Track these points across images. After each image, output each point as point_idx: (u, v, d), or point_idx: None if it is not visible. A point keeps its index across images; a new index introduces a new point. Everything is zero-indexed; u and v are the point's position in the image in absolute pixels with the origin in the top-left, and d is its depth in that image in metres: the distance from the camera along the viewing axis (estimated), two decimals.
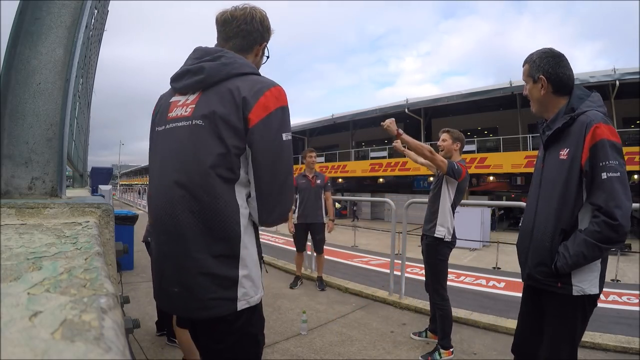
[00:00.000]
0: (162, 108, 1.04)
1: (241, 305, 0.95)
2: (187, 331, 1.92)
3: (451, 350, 2.60)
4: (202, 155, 0.91)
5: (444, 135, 2.73)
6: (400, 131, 2.53)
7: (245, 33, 1.04)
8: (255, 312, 1.01)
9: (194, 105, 0.96)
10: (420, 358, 2.58)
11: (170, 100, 1.02)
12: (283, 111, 0.96)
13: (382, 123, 2.50)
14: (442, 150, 2.69)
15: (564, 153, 1.34)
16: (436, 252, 2.60)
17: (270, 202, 0.96)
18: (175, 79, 1.03)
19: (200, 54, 1.01)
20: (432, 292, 2.69)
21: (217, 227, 0.91)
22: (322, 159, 23.09)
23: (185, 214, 0.91)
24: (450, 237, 2.59)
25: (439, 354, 2.56)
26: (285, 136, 0.96)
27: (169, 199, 0.94)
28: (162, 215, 0.95)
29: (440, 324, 2.63)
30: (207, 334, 1.02)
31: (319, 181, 4.34)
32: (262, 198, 0.95)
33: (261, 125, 0.92)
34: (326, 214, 4.40)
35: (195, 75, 0.98)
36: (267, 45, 1.12)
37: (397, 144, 2.84)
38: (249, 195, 0.97)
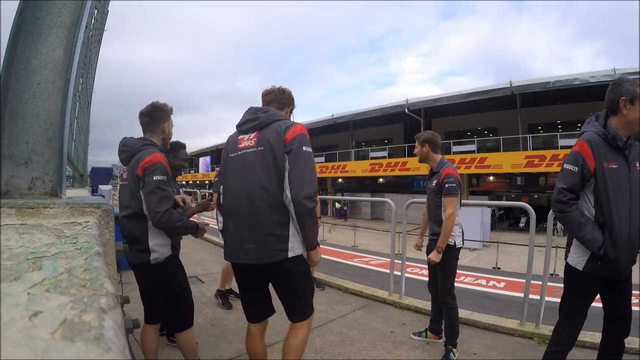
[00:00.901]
0: (232, 143, 1.74)
1: (290, 254, 1.59)
2: (187, 332, 1.95)
3: (457, 348, 2.63)
4: (266, 167, 1.60)
5: (416, 143, 2.81)
6: (440, 249, 2.58)
7: (278, 99, 1.83)
8: (301, 258, 1.65)
9: (255, 139, 1.66)
10: None
11: (238, 138, 1.72)
12: (303, 134, 1.63)
13: (431, 259, 2.62)
14: (418, 157, 2.80)
15: None
16: (449, 252, 2.60)
17: (296, 185, 1.55)
18: (240, 125, 1.74)
19: (254, 110, 1.75)
20: (443, 292, 2.66)
21: (276, 205, 1.58)
22: (322, 159, 23.09)
23: (259, 200, 1.58)
24: (461, 242, 2.66)
25: (453, 354, 2.58)
26: (306, 148, 1.61)
27: (249, 191, 1.60)
28: (244, 201, 1.60)
29: (450, 322, 2.62)
30: (273, 276, 1.68)
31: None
32: (292, 184, 1.56)
33: (291, 141, 1.60)
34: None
35: (253, 122, 1.69)
36: (293, 109, 1.92)
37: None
38: (286, 185, 1.58)
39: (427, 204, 2.84)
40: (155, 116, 1.94)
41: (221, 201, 1.73)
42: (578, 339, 2.80)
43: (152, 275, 1.87)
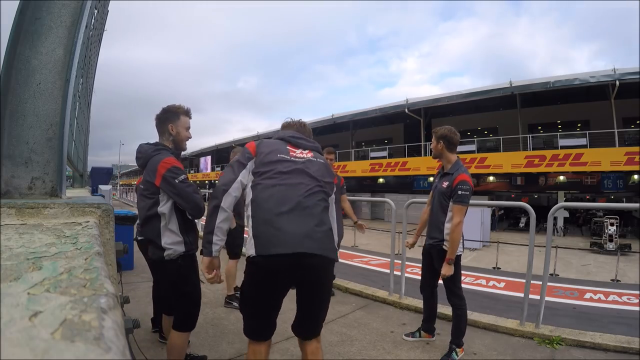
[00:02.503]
0: (276, 146, 1.72)
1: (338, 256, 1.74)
2: (184, 336, 2.03)
3: (462, 347, 2.64)
4: (326, 174, 1.72)
5: (433, 138, 2.67)
6: (451, 261, 2.50)
7: (302, 131, 1.89)
8: None
9: (311, 154, 1.75)
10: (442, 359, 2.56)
11: (287, 147, 1.74)
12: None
13: (445, 274, 2.53)
14: (433, 152, 2.68)
15: None
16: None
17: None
18: (294, 138, 1.80)
19: (305, 139, 1.83)
20: (451, 296, 2.62)
21: (327, 209, 1.67)
22: None
23: (321, 200, 1.62)
24: (461, 249, 2.61)
25: (456, 354, 2.57)
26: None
27: (312, 194, 1.59)
28: (307, 197, 1.57)
29: (458, 323, 2.61)
30: (319, 278, 1.62)
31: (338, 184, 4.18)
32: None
33: (338, 183, 1.94)
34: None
35: (312, 144, 1.82)
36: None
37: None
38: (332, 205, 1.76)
39: (430, 204, 2.76)
40: (162, 118, 2.01)
41: (269, 191, 1.58)
42: (578, 339, 2.81)
43: (165, 271, 1.97)
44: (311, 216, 1.53)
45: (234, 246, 3.69)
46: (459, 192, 2.45)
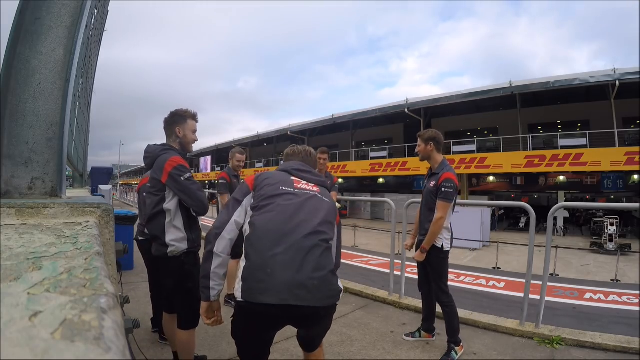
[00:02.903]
0: (279, 178, 1.59)
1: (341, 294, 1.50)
2: (190, 333, 2.07)
3: (462, 344, 2.65)
4: (332, 214, 1.56)
5: (419, 141, 2.78)
6: (423, 250, 2.65)
7: (308, 161, 1.77)
8: None
9: (317, 189, 1.61)
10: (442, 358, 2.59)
11: (292, 179, 1.61)
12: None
13: (415, 258, 2.74)
14: (419, 154, 2.78)
15: None
16: (437, 253, 2.62)
17: (338, 260, 1.67)
18: (299, 172, 1.67)
19: (312, 172, 1.71)
20: (437, 292, 2.69)
21: (329, 248, 1.47)
22: None
23: (321, 235, 1.45)
24: (449, 245, 2.66)
25: (455, 353, 2.59)
26: None
27: (313, 234, 1.42)
28: (304, 235, 1.40)
29: (450, 321, 2.65)
30: (318, 320, 1.51)
31: (329, 182, 4.24)
32: (337, 255, 1.62)
33: (339, 225, 1.66)
34: None
35: (316, 176, 1.69)
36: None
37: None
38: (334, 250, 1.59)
39: (421, 203, 2.85)
40: (169, 121, 2.11)
41: (265, 227, 1.43)
42: (578, 339, 2.81)
43: (169, 267, 2.00)
44: (309, 260, 1.35)
45: (234, 246, 3.68)
46: (443, 190, 2.54)
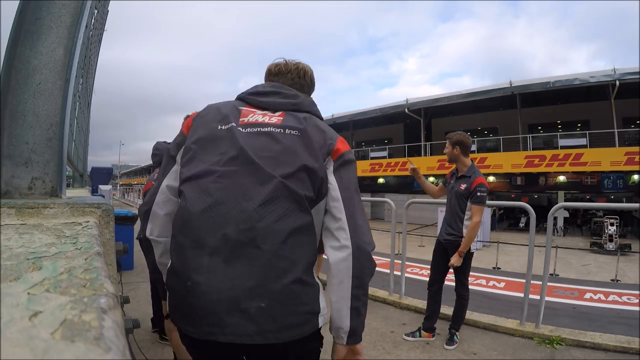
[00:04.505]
0: (222, 111, 0.99)
1: (321, 321, 0.88)
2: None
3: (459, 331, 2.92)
4: (308, 152, 0.91)
5: (447, 143, 2.82)
6: (462, 254, 2.71)
7: (298, 86, 1.10)
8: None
9: (281, 118, 0.97)
10: (445, 346, 2.76)
11: (241, 108, 1.00)
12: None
13: (453, 264, 2.72)
14: (447, 157, 2.83)
15: None
16: (466, 255, 2.75)
17: (358, 228, 0.98)
18: (258, 94, 1.03)
19: (279, 85, 1.07)
20: (460, 286, 2.85)
21: (309, 229, 0.92)
22: None
23: (281, 219, 0.87)
24: (475, 247, 2.88)
25: (457, 337, 2.84)
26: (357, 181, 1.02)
27: (268, 203, 0.87)
28: (253, 225, 0.86)
29: (461, 311, 2.87)
30: None
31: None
32: (350, 220, 0.97)
33: (345, 154, 0.96)
34: None
35: (288, 98, 1.02)
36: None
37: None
38: (330, 216, 1.00)
39: (446, 204, 2.90)
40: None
41: (190, 208, 0.86)
42: (578, 339, 2.81)
43: None
44: (257, 258, 0.80)
45: None
46: (478, 194, 2.65)
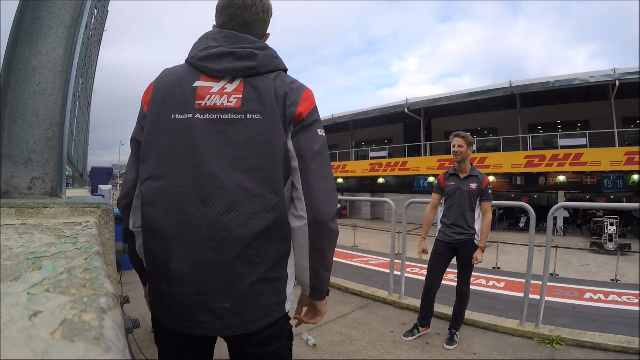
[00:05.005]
0: (174, 89, 0.91)
1: (287, 306, 0.94)
2: None
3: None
4: (265, 153, 0.87)
5: (459, 141, 2.86)
6: (483, 246, 2.82)
7: (262, 22, 1.00)
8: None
9: (241, 96, 0.88)
10: (445, 346, 2.76)
11: (196, 85, 0.90)
12: (317, 107, 0.98)
13: (480, 260, 2.80)
14: (459, 155, 2.84)
15: None
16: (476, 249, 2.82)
17: (320, 196, 0.94)
18: (210, 58, 0.90)
19: (238, 38, 0.93)
20: (464, 285, 2.91)
21: (277, 226, 0.91)
22: None
23: (246, 216, 0.87)
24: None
25: (457, 337, 2.85)
26: (323, 132, 0.97)
27: (226, 197, 0.87)
28: (208, 217, 0.87)
29: (461, 311, 2.91)
30: (250, 349, 0.92)
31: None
32: (311, 191, 0.93)
33: (309, 116, 0.92)
34: None
35: (244, 60, 0.90)
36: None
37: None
38: (297, 194, 0.95)
39: (451, 205, 2.88)
40: None
41: (147, 210, 0.88)
42: (578, 339, 2.81)
43: None
44: (220, 265, 0.83)
45: None
46: (489, 192, 2.80)
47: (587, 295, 5.04)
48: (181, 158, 0.87)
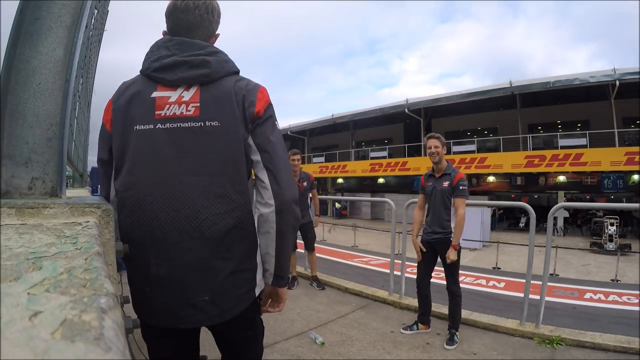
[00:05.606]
0: (139, 102, 0.94)
1: (257, 291, 1.03)
2: None
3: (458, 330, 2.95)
4: (226, 157, 0.93)
5: (434, 142, 2.88)
6: (455, 244, 2.79)
7: (207, 23, 1.02)
8: None
9: (198, 104, 0.93)
10: (445, 346, 2.76)
11: (154, 96, 0.94)
12: (271, 102, 1.03)
13: (452, 258, 2.77)
14: (436, 156, 2.86)
15: None
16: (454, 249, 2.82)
17: (283, 183, 1.02)
18: (164, 69, 0.94)
19: (187, 44, 0.96)
20: (452, 283, 2.88)
21: (242, 223, 0.97)
22: (322, 159, 23.10)
23: (215, 217, 0.94)
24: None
25: (457, 337, 2.85)
26: (278, 125, 1.04)
27: (195, 202, 0.93)
28: (182, 221, 0.92)
29: (457, 311, 2.90)
30: (229, 332, 1.05)
31: (305, 183, 4.26)
32: (277, 181, 1.00)
33: (265, 114, 0.98)
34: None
35: (197, 68, 0.94)
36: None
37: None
38: (261, 187, 1.03)
39: (429, 205, 3.00)
40: None
41: (125, 218, 0.94)
42: (578, 339, 2.81)
43: None
44: (195, 263, 0.91)
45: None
46: (461, 188, 2.77)
47: (587, 295, 5.04)
48: (147, 168, 0.92)
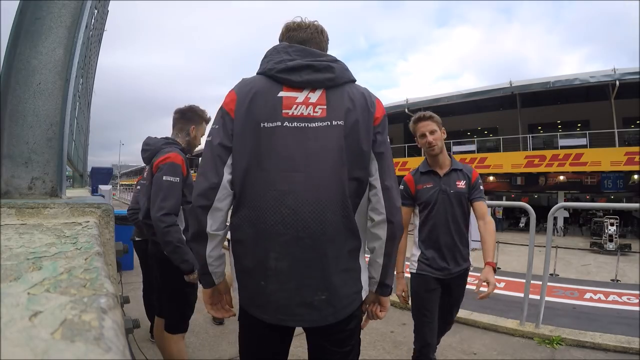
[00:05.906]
0: (261, 99, 0.97)
1: (363, 294, 1.06)
2: (179, 341, 1.92)
3: None
4: (351, 157, 0.98)
5: (428, 125, 2.02)
6: (494, 263, 2.02)
7: (318, 40, 1.10)
8: None
9: (325, 106, 0.98)
10: None
11: (280, 95, 0.98)
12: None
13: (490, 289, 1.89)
14: (435, 146, 2.02)
15: None
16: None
17: (392, 194, 1.07)
18: (290, 71, 0.98)
19: (308, 52, 1.03)
20: (453, 320, 2.27)
21: (351, 222, 1.00)
22: None
23: (336, 214, 0.97)
24: None
25: None
26: (388, 143, 1.07)
27: (323, 199, 0.96)
28: (310, 217, 0.95)
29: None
30: (332, 337, 1.04)
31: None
32: (386, 190, 1.04)
33: (381, 122, 1.03)
34: None
35: (322, 72, 0.99)
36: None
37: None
38: (373, 194, 1.06)
39: (431, 219, 2.05)
40: (186, 116, 1.98)
41: (258, 212, 0.96)
42: (578, 339, 2.81)
43: (163, 268, 1.88)
44: (315, 261, 0.93)
45: None
46: (481, 187, 1.99)
47: (587, 295, 5.03)
48: (276, 164, 0.95)
